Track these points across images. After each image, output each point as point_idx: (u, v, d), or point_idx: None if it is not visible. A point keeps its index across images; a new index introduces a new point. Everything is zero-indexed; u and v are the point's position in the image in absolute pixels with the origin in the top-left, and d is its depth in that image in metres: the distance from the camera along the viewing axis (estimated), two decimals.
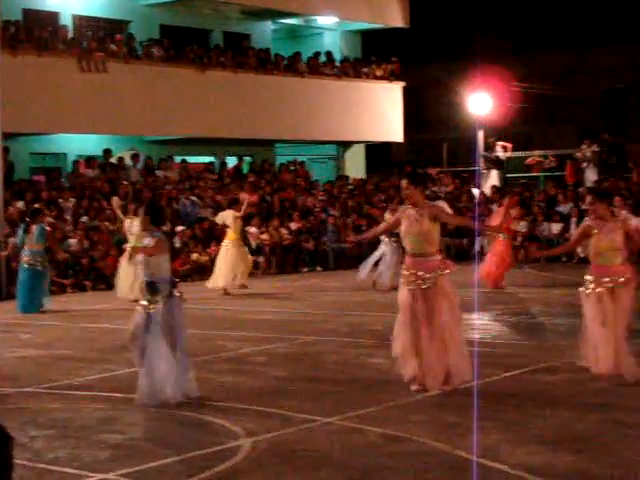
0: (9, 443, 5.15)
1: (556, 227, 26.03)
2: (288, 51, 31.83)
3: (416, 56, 39.51)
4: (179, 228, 23.33)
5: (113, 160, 26.73)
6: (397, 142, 34.88)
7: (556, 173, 30.69)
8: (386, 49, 33.20)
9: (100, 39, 26.61)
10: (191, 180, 27.25)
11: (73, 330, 14.88)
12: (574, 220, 24.89)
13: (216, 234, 23.83)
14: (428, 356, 9.22)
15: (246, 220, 21.95)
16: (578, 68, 42.12)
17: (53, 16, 27.23)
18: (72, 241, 21.58)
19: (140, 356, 9.19)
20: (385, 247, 18.93)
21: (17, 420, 8.50)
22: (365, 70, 32.81)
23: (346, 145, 34.15)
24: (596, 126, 34.64)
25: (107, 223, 22.60)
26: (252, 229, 23.94)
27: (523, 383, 9.85)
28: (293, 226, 25.91)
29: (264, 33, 32.68)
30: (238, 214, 19.49)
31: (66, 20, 27.27)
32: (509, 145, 32.11)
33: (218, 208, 25.62)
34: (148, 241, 9.42)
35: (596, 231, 9.71)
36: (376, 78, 32.87)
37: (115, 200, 20.05)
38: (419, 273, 9.30)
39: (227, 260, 19.25)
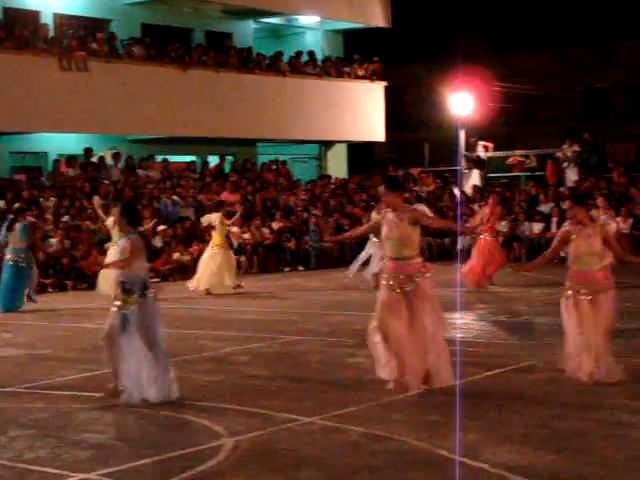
0: None
1: (537, 227, 26.11)
2: (270, 50, 31.80)
3: (398, 56, 39.53)
4: (160, 227, 23.28)
5: (94, 159, 26.65)
6: (379, 142, 34.91)
7: (537, 173, 30.80)
8: (368, 49, 33.22)
9: (81, 38, 26.50)
10: (172, 179, 27.19)
11: (54, 330, 14.84)
12: (555, 220, 24.99)
13: (197, 233, 23.82)
14: (409, 357, 9.23)
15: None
16: (559, 68, 42.22)
17: (34, 15, 27.13)
18: (53, 240, 21.52)
19: (112, 356, 9.18)
20: (371, 247, 18.94)
21: None
22: (347, 69, 32.83)
23: (328, 144, 34.17)
24: (577, 126, 34.75)
25: (88, 222, 22.54)
26: (234, 228, 23.91)
27: (504, 382, 9.87)
28: (275, 225, 25.91)
29: (246, 32, 32.65)
30: (227, 222, 19.58)
31: (47, 19, 27.16)
32: (490, 145, 32.19)
33: (199, 207, 25.64)
34: (123, 243, 9.41)
35: (574, 236, 9.70)
36: (358, 78, 32.90)
37: (96, 199, 20.01)
38: (400, 277, 9.33)
39: (215, 264, 19.23)
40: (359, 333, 12.82)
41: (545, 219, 26.16)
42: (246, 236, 24.43)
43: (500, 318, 14.80)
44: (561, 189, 28.11)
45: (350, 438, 7.76)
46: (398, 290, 9.30)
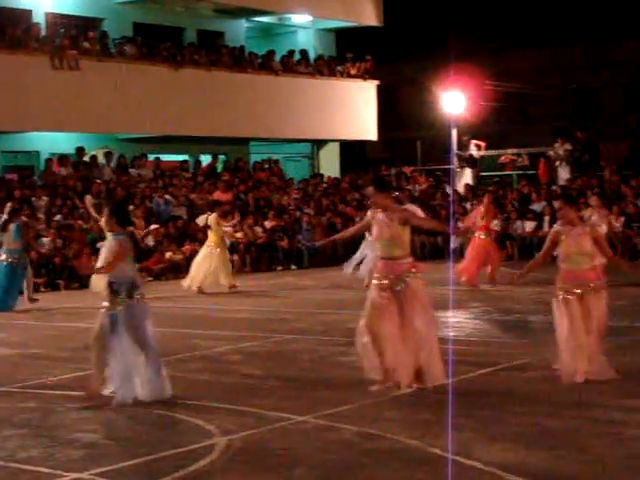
0: None
1: (529, 225, 26.15)
2: (262, 49, 31.79)
3: (390, 54, 39.54)
4: (152, 226, 23.25)
5: (86, 158, 26.61)
6: (371, 140, 34.92)
7: (529, 171, 30.84)
8: (360, 47, 33.22)
9: (73, 37, 26.44)
10: (165, 178, 27.17)
11: (46, 329, 14.82)
12: (547, 218, 25.02)
13: (190, 233, 23.80)
14: (399, 356, 9.22)
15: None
16: (551, 67, 42.26)
17: (26, 14, 27.08)
18: (45, 240, 21.48)
19: (99, 358, 9.18)
20: (366, 246, 18.90)
21: None
22: (339, 68, 32.83)
23: (320, 143, 34.17)
24: (569, 125, 34.81)
25: (80, 222, 22.51)
26: (226, 227, 23.89)
27: (497, 381, 9.88)
28: (268, 224, 25.90)
29: (238, 31, 32.63)
30: (224, 222, 19.61)
31: (39, 18, 27.10)
32: (483, 143, 32.21)
33: (192, 207, 25.62)
34: (110, 243, 9.38)
35: (564, 237, 9.72)
36: (350, 76, 32.90)
37: (88, 198, 19.99)
38: (390, 277, 9.34)
39: (211, 263, 19.21)
40: (352, 332, 12.83)
41: (537, 217, 26.19)
42: (238, 235, 24.42)
43: (493, 316, 14.81)
44: (553, 187, 28.15)
45: (343, 437, 7.76)
46: (388, 290, 9.31)
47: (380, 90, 33.66)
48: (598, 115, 40.94)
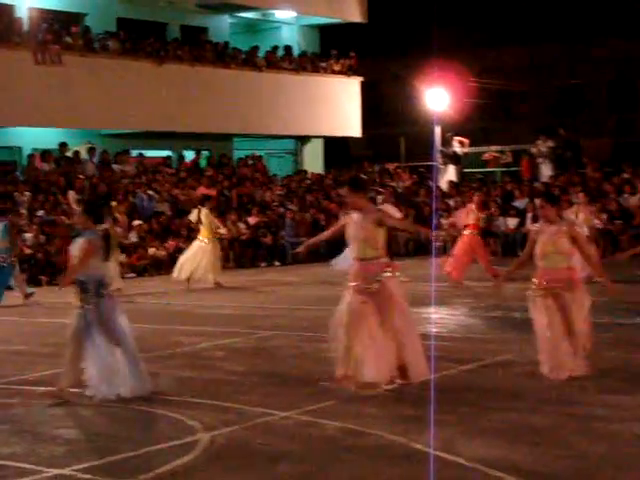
0: None
1: (512, 222, 26.22)
2: (246, 45, 31.76)
3: (374, 51, 39.55)
4: (135, 222, 23.20)
5: (69, 154, 26.53)
6: (355, 137, 34.92)
7: (512, 168, 30.93)
8: (344, 44, 33.23)
9: (56, 32, 26.34)
10: (148, 174, 27.11)
11: (28, 325, 14.78)
12: (530, 215, 25.07)
13: (173, 228, 23.77)
14: (380, 354, 9.20)
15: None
16: (534, 64, 42.35)
17: (8, 8, 26.93)
18: (27, 235, 21.40)
19: (72, 355, 9.16)
20: None
21: None
22: (323, 65, 32.84)
23: (304, 140, 34.16)
24: (552, 122, 34.89)
25: (63, 217, 22.43)
26: (222, 230, 23.87)
27: (479, 376, 9.90)
28: (251, 221, 25.88)
29: (222, 27, 32.58)
30: (215, 220, 19.60)
31: (21, 12, 26.96)
32: (466, 140, 32.28)
33: (175, 202, 25.57)
34: (81, 241, 9.33)
35: (542, 235, 9.74)
36: (334, 73, 32.91)
37: (71, 194, 19.95)
38: (366, 277, 9.33)
39: (203, 256, 19.16)
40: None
41: (520, 214, 26.26)
42: (222, 231, 24.35)
43: (477, 313, 14.84)
44: (536, 184, 28.23)
45: (326, 433, 7.77)
46: (365, 292, 9.30)
47: (364, 86, 33.69)
48: (580, 112, 41.04)
